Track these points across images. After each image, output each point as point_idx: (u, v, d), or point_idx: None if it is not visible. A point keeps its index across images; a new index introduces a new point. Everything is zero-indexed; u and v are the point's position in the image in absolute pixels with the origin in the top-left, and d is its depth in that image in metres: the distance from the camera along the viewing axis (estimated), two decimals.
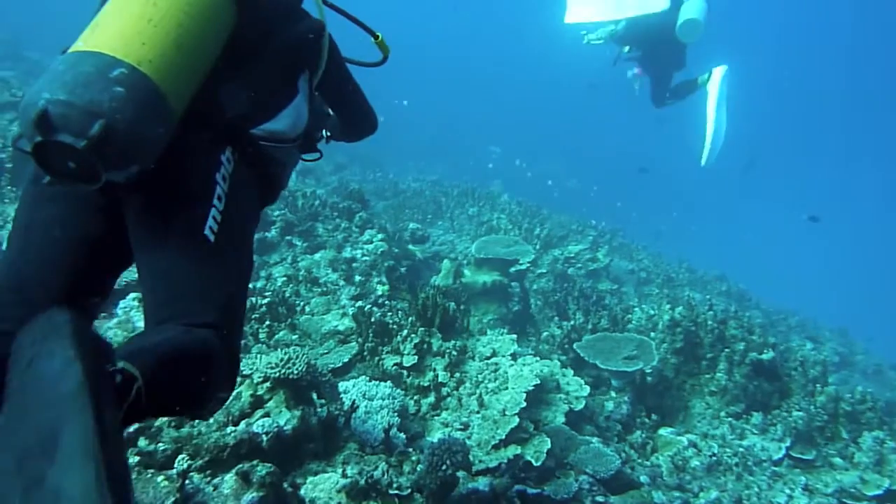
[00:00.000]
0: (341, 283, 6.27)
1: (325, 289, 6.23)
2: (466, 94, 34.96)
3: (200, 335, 1.31)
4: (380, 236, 7.59)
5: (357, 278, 6.24)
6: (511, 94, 36.14)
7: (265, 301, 5.13)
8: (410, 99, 22.60)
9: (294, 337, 4.94)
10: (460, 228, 10.67)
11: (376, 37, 2.13)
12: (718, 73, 7.31)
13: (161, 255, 1.42)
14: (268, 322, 5.02)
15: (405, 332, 5.02)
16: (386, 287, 6.17)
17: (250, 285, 4.65)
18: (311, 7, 1.91)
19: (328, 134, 2.33)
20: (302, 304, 5.63)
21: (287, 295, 5.79)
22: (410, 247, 8.59)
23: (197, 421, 3.08)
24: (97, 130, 1.18)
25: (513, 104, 34.38)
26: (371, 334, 4.97)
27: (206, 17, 1.48)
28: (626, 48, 7.43)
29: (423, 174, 16.55)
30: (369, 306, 5.29)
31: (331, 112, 2.26)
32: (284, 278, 6.15)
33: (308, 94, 1.89)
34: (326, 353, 4.75)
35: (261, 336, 4.90)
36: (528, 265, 8.61)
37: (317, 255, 6.97)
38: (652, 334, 6.27)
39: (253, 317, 5.02)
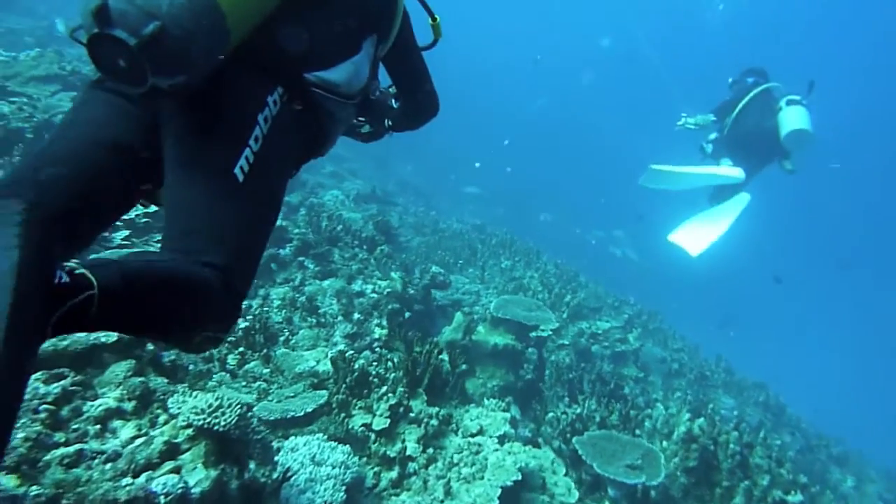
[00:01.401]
0: (339, 317, 5.80)
1: (320, 320, 5.77)
2: (543, 151, 34.37)
3: (196, 269, 1.26)
4: (396, 274, 7.13)
5: (356, 316, 5.75)
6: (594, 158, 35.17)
7: (242, 325, 4.69)
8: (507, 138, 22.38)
9: (265, 371, 4.46)
10: (490, 280, 10.10)
11: (434, 19, 2.13)
12: (742, 197, 7.22)
13: (187, 185, 1.39)
14: (242, 349, 4.57)
15: (385, 388, 4.47)
16: (384, 331, 5.65)
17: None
18: None
19: (391, 124, 2.30)
20: (288, 333, 5.17)
21: (274, 321, 5.35)
22: (433, 291, 8.09)
23: (92, 467, 2.61)
24: (151, 30, 1.17)
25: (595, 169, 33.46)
26: (347, 384, 4.44)
27: None
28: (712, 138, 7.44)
29: (471, 216, 16.13)
30: (351, 351, 4.76)
31: (394, 104, 2.25)
32: (281, 301, 5.72)
33: (372, 58, 1.87)
34: (292, 397, 4.24)
35: (229, 363, 4.44)
36: (551, 333, 8.00)
37: (325, 282, 6.54)
38: (665, 443, 5.51)
39: (228, 339, 4.58)
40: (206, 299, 1.28)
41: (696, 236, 7.35)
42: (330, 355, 4.64)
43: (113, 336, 2.98)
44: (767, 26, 36.09)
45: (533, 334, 7.53)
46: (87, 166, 1.35)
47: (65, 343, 2.82)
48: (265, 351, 4.60)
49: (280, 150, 1.55)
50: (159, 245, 1.41)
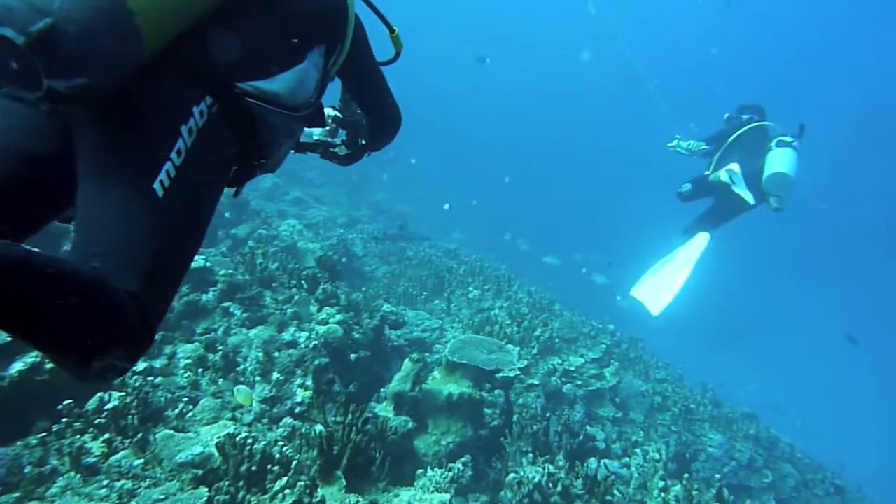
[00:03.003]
0: (257, 378, 4.91)
1: (237, 380, 4.88)
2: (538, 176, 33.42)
3: (114, 286, 1.11)
4: (339, 317, 6.25)
5: (275, 375, 4.87)
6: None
7: (112, 404, 3.76)
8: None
9: (136, 462, 3.54)
10: (457, 312, 9.23)
11: (392, 30, 2.06)
12: (700, 239, 6.96)
13: (100, 198, 1.23)
14: (109, 434, 3.65)
15: (286, 479, 3.56)
16: (308, 394, 4.76)
17: None
18: None
19: (364, 143, 2.24)
20: (183, 404, 4.26)
21: (177, 384, 4.46)
22: (388, 331, 7.21)
23: None
24: (40, 27, 1.06)
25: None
26: (240, 476, 3.54)
27: None
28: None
29: (445, 242, 15.29)
30: (244, 434, 3.81)
31: (363, 122, 2.20)
32: (190, 361, 4.83)
33: (321, 70, 1.75)
34: (162, 500, 3.33)
35: (93, 453, 3.53)
36: (519, 372, 7.13)
37: (253, 331, 5.66)
38: None
39: (95, 421, 3.67)
40: (118, 317, 1.11)
41: (656, 293, 6.97)
42: (217, 439, 3.72)
43: None
44: (761, 69, 35.98)
45: (500, 374, 6.68)
46: None
47: None
48: (140, 435, 3.69)
49: (206, 165, 1.40)
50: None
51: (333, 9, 1.78)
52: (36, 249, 1.00)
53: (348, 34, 1.81)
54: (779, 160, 6.26)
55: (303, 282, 6.60)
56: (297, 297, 6.29)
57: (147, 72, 1.30)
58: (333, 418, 4.31)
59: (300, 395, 4.73)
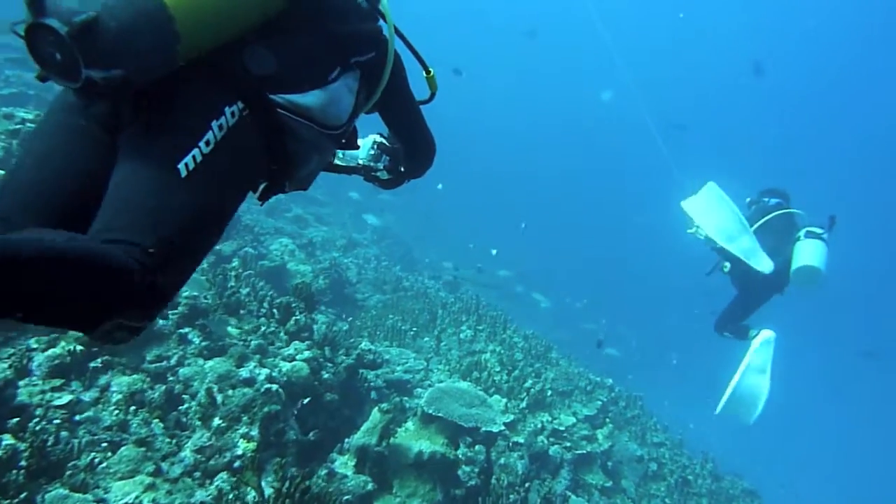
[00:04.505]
0: (197, 422, 4.28)
1: (174, 423, 4.25)
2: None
3: (115, 249, 1.13)
4: (308, 353, 5.62)
5: (216, 422, 4.23)
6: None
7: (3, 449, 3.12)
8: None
9: None
10: (446, 352, 8.56)
11: (428, 71, 2.11)
12: (763, 336, 6.48)
13: (128, 171, 1.30)
14: None
15: None
16: (251, 446, 4.11)
17: None
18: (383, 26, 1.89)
19: (404, 170, 2.30)
20: (99, 452, 3.64)
21: (104, 422, 3.85)
22: (364, 371, 6.56)
23: None
24: (83, 19, 1.13)
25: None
26: None
27: None
28: (727, 265, 6.64)
29: (450, 271, 14.65)
30: (162, 497, 3.19)
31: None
32: (122, 395, 4.22)
33: (355, 93, 1.82)
34: None
35: None
36: (503, 427, 6.44)
37: (209, 364, 5.05)
38: None
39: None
40: (122, 278, 1.12)
41: (744, 407, 6.49)
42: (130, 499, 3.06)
43: None
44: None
45: (483, 429, 6.00)
46: (55, 189, 1.33)
47: None
48: (24, 496, 3.05)
49: (233, 161, 1.43)
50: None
51: (370, 37, 1.83)
52: (26, 234, 1.04)
53: (387, 66, 1.86)
54: (808, 252, 6.01)
55: (274, 310, 6.00)
56: (265, 328, 5.68)
57: (184, 75, 1.36)
58: (271, 484, 3.66)
59: (242, 446, 4.09)
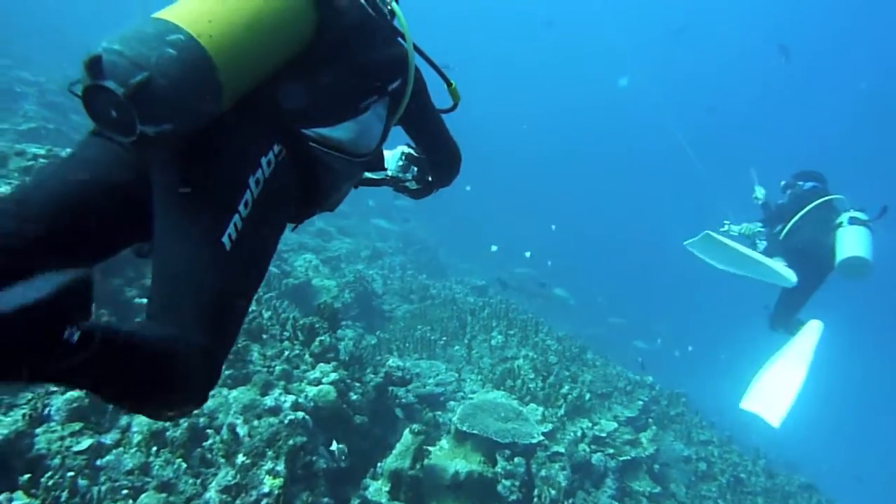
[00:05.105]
0: (221, 459, 4.09)
1: (198, 461, 4.07)
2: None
3: (185, 348, 1.21)
4: (334, 375, 5.41)
5: (240, 458, 4.03)
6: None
7: None
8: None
9: None
10: (477, 361, 8.28)
11: (450, 84, 2.14)
12: (809, 327, 6.11)
13: (172, 250, 1.33)
14: None
15: None
16: (277, 483, 3.90)
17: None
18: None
19: (431, 180, 2.31)
20: (120, 501, 3.47)
21: (124, 467, 3.68)
22: (393, 388, 6.32)
23: None
24: (139, 80, 1.19)
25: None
26: None
27: (282, 16, 1.48)
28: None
29: (474, 278, 14.32)
30: None
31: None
32: (143, 435, 4.05)
33: (384, 120, 1.85)
34: None
35: None
36: (542, 437, 6.14)
37: (233, 393, 4.87)
38: None
39: None
40: (188, 380, 1.22)
41: (771, 401, 6.00)
42: None
43: None
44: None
45: (521, 443, 5.71)
46: (75, 198, 1.35)
47: None
48: None
49: (271, 214, 1.47)
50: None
51: (397, 61, 1.83)
52: (116, 326, 1.04)
53: (409, 85, 1.86)
54: (853, 242, 5.65)
55: (298, 333, 5.80)
56: (288, 353, 5.49)
57: (221, 123, 1.39)
58: None
59: (267, 483, 3.88)
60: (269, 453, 4.09)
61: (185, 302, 1.28)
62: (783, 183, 6.72)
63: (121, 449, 3.97)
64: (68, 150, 7.24)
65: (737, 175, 7.19)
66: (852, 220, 5.80)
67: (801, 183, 6.51)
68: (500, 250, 15.67)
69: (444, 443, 5.58)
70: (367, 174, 2.20)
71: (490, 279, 14.17)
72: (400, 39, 1.88)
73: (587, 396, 7.37)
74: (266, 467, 4.00)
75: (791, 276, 5.92)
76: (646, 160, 37.43)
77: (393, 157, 2.29)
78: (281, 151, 1.49)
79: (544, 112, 41.10)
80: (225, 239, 1.32)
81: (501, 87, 41.37)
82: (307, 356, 5.65)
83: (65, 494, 3.22)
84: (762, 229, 6.51)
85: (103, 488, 3.58)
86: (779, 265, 6.01)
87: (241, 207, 1.36)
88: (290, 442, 4.15)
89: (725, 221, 6.65)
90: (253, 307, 5.91)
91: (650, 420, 7.82)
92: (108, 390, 1.09)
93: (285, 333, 5.77)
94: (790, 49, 19.84)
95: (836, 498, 8.95)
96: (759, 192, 6.65)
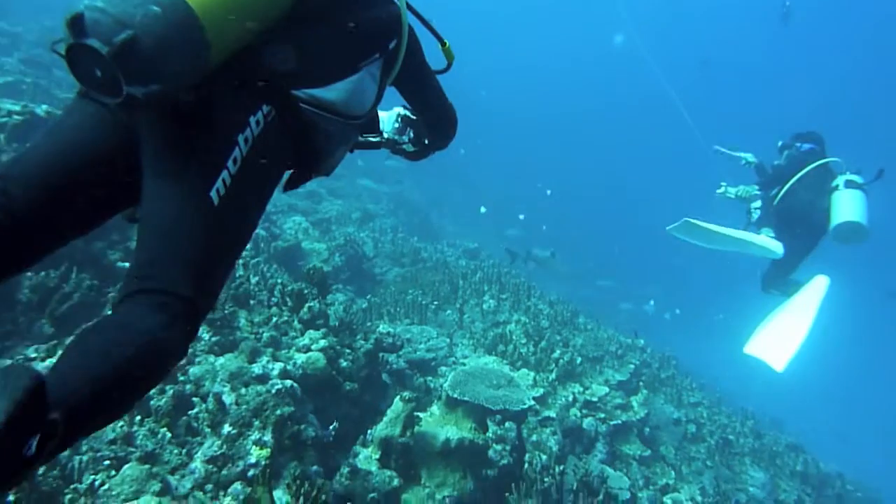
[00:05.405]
0: (206, 429, 4.00)
1: (181, 431, 3.98)
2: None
3: (155, 328, 1.19)
4: (323, 342, 5.30)
5: (226, 428, 3.94)
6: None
7: None
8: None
9: None
10: (469, 325, 8.21)
11: (444, 43, 2.09)
12: (816, 281, 6.09)
13: (161, 205, 1.31)
14: None
15: None
16: (264, 453, 3.82)
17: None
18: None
19: (428, 142, 2.28)
20: (101, 472, 3.37)
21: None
22: (384, 354, 6.23)
23: None
24: (123, 39, 1.15)
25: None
26: None
27: None
28: (756, 213, 6.35)
29: (469, 240, 14.16)
30: None
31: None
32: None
33: (378, 80, 1.81)
34: None
35: None
36: (533, 402, 6.12)
37: (220, 360, 4.76)
38: None
39: None
40: (169, 355, 1.23)
41: (775, 345, 5.96)
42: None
43: None
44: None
45: (512, 410, 5.66)
46: (60, 168, 1.33)
47: None
48: None
49: (261, 172, 1.46)
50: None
51: (390, 20, 1.78)
52: (75, 385, 1.04)
53: (402, 45, 1.82)
54: (848, 206, 5.56)
55: (287, 298, 5.67)
56: (276, 319, 5.36)
57: (208, 79, 1.35)
58: (285, 498, 3.37)
59: (254, 454, 3.80)
60: (256, 423, 4.00)
61: (170, 256, 1.28)
62: (780, 143, 6.58)
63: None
64: (45, 106, 6.97)
65: (732, 135, 7.02)
66: (848, 184, 5.71)
67: (798, 144, 6.37)
68: (494, 212, 15.51)
69: (435, 409, 5.53)
70: (363, 136, 2.17)
71: (482, 242, 14.05)
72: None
73: (578, 360, 7.34)
74: (253, 437, 3.91)
75: (778, 249, 5.93)
76: (641, 120, 36.92)
77: (389, 118, 2.24)
78: (270, 112, 1.46)
79: (539, 72, 40.31)
80: (213, 193, 1.31)
81: (495, 45, 40.36)
82: (296, 322, 5.53)
83: (42, 467, 3.11)
84: (759, 192, 6.41)
85: (84, 458, 3.49)
86: (764, 239, 6.01)
87: (229, 164, 1.35)
88: (278, 412, 4.06)
89: (722, 183, 6.56)
90: (240, 272, 5.77)
91: (641, 383, 7.82)
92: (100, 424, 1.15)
93: (273, 299, 5.64)
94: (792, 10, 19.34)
95: (821, 457, 9.08)
96: (749, 157, 6.51)
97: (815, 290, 5.98)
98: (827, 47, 33.36)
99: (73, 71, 1.20)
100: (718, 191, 6.49)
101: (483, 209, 15.17)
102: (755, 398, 11.63)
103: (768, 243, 5.93)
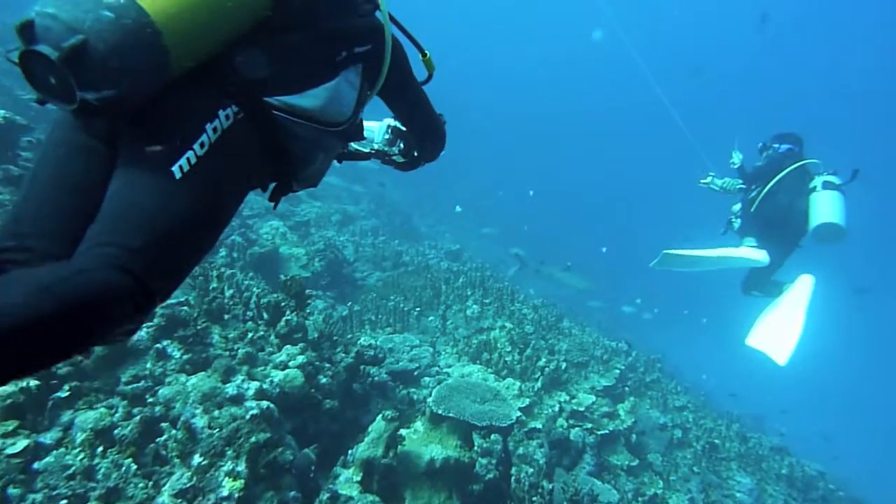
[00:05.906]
0: (175, 458, 3.73)
1: (152, 459, 3.71)
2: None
3: (102, 272, 1.13)
4: (302, 358, 5.05)
5: (196, 459, 3.67)
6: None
7: None
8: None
9: None
10: (453, 331, 8.00)
11: (424, 54, 2.05)
12: (802, 280, 6.12)
13: (124, 178, 1.29)
14: None
15: None
16: (237, 485, 3.57)
17: None
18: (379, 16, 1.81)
19: (417, 154, 2.28)
20: None
21: (73, 467, 3.30)
22: (365, 367, 5.99)
23: None
24: (72, 44, 1.13)
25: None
26: None
27: None
28: (737, 222, 6.37)
29: (448, 242, 13.93)
30: None
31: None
32: (88, 434, 3.66)
33: (357, 88, 1.76)
34: None
35: None
36: (519, 413, 5.94)
37: (192, 380, 4.48)
38: None
39: None
40: (112, 300, 1.13)
41: (776, 338, 5.94)
42: None
43: None
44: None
45: (499, 426, 5.47)
46: (72, 213, 1.33)
47: None
48: None
49: (228, 164, 1.39)
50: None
51: (367, 29, 1.75)
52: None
53: (386, 56, 1.79)
54: (826, 207, 5.58)
55: (263, 312, 5.40)
56: (252, 334, 5.10)
57: (177, 85, 1.32)
58: None
59: (226, 486, 3.54)
60: (230, 452, 3.73)
61: (124, 220, 1.22)
62: (760, 144, 6.61)
63: (62, 450, 3.59)
64: (2, 112, 6.60)
65: (724, 139, 6.93)
66: (826, 185, 5.74)
67: (776, 145, 6.41)
68: (471, 212, 15.31)
69: (419, 426, 5.31)
70: (353, 146, 2.15)
71: (463, 243, 13.85)
72: (376, 11, 1.80)
73: (564, 367, 7.18)
74: (225, 468, 3.65)
75: (763, 257, 5.97)
76: (626, 120, 37.01)
77: (379, 129, 2.23)
78: (239, 112, 1.42)
79: (520, 72, 40.16)
80: (175, 168, 1.26)
81: (475, 45, 40.14)
82: (272, 337, 5.27)
83: None
84: (742, 186, 6.43)
85: (38, 497, 3.21)
86: (747, 251, 6.05)
87: (195, 146, 1.30)
88: (252, 439, 3.80)
89: (710, 174, 6.57)
90: (214, 284, 5.48)
91: (627, 389, 7.69)
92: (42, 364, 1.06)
93: (249, 313, 5.37)
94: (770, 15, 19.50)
95: (806, 458, 9.06)
96: (736, 158, 6.51)
97: (802, 289, 6.00)
98: (811, 51, 33.75)
99: (28, 79, 1.18)
100: (704, 180, 6.51)
101: (458, 208, 15.00)
102: (741, 397, 11.61)
103: (752, 254, 6.00)
